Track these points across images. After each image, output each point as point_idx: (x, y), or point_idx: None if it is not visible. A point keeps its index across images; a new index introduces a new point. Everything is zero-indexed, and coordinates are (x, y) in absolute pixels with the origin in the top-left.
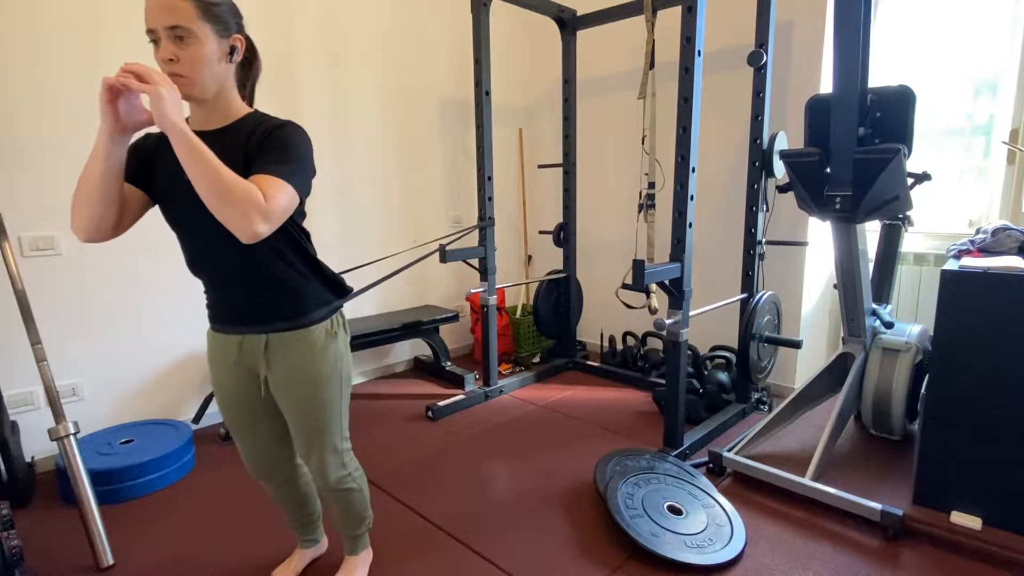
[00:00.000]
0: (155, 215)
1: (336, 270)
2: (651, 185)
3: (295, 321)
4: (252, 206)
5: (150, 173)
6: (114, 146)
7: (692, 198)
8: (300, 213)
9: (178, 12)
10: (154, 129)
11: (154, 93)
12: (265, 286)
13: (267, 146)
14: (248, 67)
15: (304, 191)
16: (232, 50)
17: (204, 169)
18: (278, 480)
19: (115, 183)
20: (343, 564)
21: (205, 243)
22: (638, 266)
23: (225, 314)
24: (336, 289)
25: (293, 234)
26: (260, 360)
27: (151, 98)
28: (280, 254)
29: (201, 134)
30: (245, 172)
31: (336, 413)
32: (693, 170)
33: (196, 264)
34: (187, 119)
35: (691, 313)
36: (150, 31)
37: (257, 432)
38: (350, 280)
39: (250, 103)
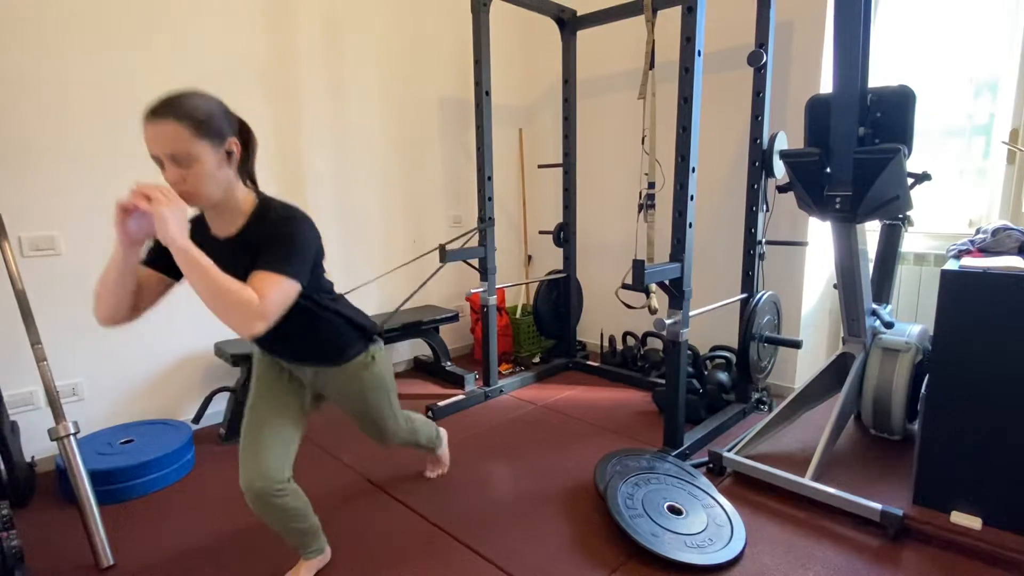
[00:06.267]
0: None
1: (337, 273)
2: (651, 185)
3: (335, 361)
4: (247, 309)
5: None
6: (127, 254)
7: (692, 198)
8: (319, 279)
9: (175, 139)
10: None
11: (157, 214)
12: (304, 343)
13: (268, 244)
14: (245, 150)
15: (303, 276)
16: (229, 154)
17: (202, 279)
18: (273, 489)
19: (130, 282)
20: (433, 457)
21: None
22: (638, 266)
23: (272, 352)
24: (368, 333)
25: (321, 302)
26: (307, 379)
27: (155, 219)
28: (314, 319)
29: (219, 242)
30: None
31: (387, 412)
32: (693, 170)
33: None
34: (204, 218)
35: (691, 313)
36: (154, 157)
37: (274, 423)
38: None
39: (252, 178)
